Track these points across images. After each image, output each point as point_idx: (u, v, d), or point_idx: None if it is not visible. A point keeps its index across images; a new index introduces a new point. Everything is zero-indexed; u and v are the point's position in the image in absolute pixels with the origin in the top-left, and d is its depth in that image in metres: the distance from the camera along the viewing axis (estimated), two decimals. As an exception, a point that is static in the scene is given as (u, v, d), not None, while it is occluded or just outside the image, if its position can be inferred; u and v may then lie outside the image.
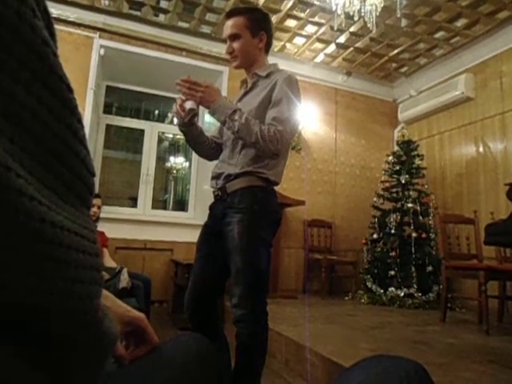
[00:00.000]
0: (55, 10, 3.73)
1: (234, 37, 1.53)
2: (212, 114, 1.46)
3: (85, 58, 3.88)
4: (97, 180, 4.31)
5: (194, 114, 1.51)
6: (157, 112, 4.93)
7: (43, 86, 0.26)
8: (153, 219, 4.24)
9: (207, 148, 1.69)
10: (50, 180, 0.27)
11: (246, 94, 1.61)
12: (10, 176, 0.22)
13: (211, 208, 1.58)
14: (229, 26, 1.53)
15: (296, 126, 1.57)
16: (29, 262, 0.24)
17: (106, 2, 3.84)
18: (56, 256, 0.26)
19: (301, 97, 1.55)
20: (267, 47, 1.61)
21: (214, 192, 1.56)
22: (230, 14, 1.56)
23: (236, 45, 1.53)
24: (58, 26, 3.77)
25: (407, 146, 4.35)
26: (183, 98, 1.46)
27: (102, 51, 3.97)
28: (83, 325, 0.31)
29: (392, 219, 4.07)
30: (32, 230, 0.24)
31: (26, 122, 0.25)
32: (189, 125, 1.58)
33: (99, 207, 3.13)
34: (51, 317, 0.27)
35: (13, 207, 0.22)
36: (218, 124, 1.59)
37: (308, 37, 4.27)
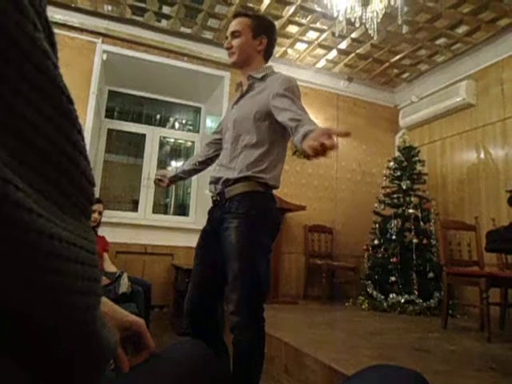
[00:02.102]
0: (58, 16, 3.76)
1: (235, 34, 1.56)
2: None
3: (87, 62, 3.90)
4: (98, 184, 4.32)
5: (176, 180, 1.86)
6: (158, 116, 4.94)
7: (43, 97, 0.26)
8: (153, 223, 4.23)
9: (205, 167, 1.84)
10: (50, 191, 0.27)
11: (242, 96, 1.61)
12: (8, 189, 0.22)
13: (210, 213, 1.58)
14: (233, 24, 1.58)
15: None
16: (27, 274, 0.24)
17: (109, 8, 3.87)
18: (54, 268, 0.26)
19: (301, 97, 1.54)
20: (267, 53, 1.63)
21: (212, 197, 1.56)
22: (238, 14, 1.62)
23: (235, 41, 1.56)
24: (60, 31, 3.81)
25: (408, 151, 4.36)
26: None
27: (105, 56, 3.99)
28: (82, 336, 0.31)
29: (393, 225, 4.06)
30: (30, 243, 0.24)
31: (26, 134, 0.25)
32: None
33: (100, 213, 3.12)
34: (49, 328, 0.27)
35: (11, 220, 0.22)
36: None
37: (309, 43, 4.29)
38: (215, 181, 1.54)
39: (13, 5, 0.24)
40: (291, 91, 1.45)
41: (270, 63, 1.65)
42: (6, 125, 0.24)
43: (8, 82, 0.24)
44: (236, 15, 1.62)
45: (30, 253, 0.24)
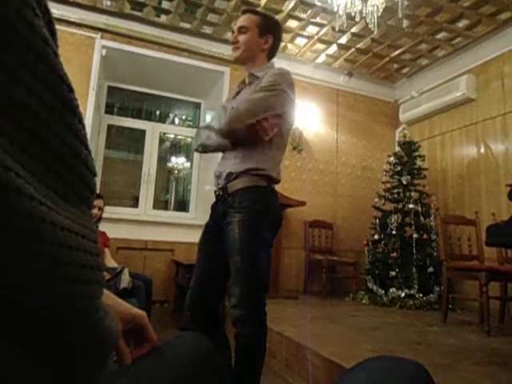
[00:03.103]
0: (57, 11, 3.74)
1: (242, 29, 1.58)
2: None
3: (86, 58, 3.89)
4: (98, 180, 4.31)
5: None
6: (158, 112, 4.94)
7: (44, 85, 0.26)
8: (154, 219, 4.24)
9: None
10: (51, 180, 0.27)
11: (240, 91, 1.64)
12: (9, 176, 0.22)
13: (213, 207, 1.59)
14: (241, 20, 1.61)
15: (260, 108, 1.44)
16: (29, 263, 0.24)
17: (108, 3, 3.85)
18: (56, 256, 0.26)
19: (292, 86, 1.54)
20: (271, 53, 1.65)
21: (215, 192, 1.56)
22: (247, 11, 1.65)
23: (242, 37, 1.58)
24: (59, 27, 3.78)
25: (408, 146, 4.35)
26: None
27: (104, 51, 3.98)
28: (84, 325, 0.31)
29: (393, 220, 4.07)
30: (32, 231, 0.24)
31: (26, 122, 0.25)
32: None
33: (100, 208, 3.11)
34: (52, 317, 0.27)
35: (12, 207, 0.22)
36: None
37: (309, 37, 4.27)
38: (219, 175, 1.55)
39: None
40: (265, 87, 1.46)
41: (276, 61, 1.69)
42: (5, 112, 0.24)
43: (7, 69, 0.23)
44: (245, 11, 1.65)
45: (32, 241, 0.24)
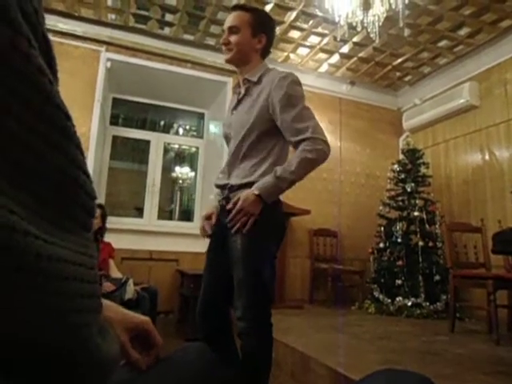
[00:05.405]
0: (63, 25, 3.81)
1: (233, 29, 1.49)
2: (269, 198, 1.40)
3: (92, 71, 3.94)
4: (103, 191, 4.34)
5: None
6: (162, 123, 4.98)
7: (37, 116, 0.25)
8: (159, 229, 4.24)
9: None
10: (46, 211, 0.26)
11: (239, 102, 1.57)
12: (3, 214, 0.22)
13: (218, 217, 1.58)
14: (231, 19, 1.50)
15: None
16: (24, 297, 0.24)
17: (113, 16, 3.91)
18: (52, 289, 0.25)
19: (303, 93, 1.49)
20: (264, 51, 1.57)
21: (219, 202, 1.56)
22: (237, 7, 1.53)
23: (233, 38, 1.48)
24: (65, 41, 3.85)
25: (412, 154, 4.35)
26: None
27: (109, 64, 4.03)
28: (80, 353, 0.30)
29: (398, 228, 4.05)
30: (28, 266, 0.23)
31: (17, 156, 0.24)
32: None
33: (101, 219, 3.07)
34: (47, 348, 0.27)
35: (6, 244, 0.22)
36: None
37: (312, 47, 4.30)
38: (219, 186, 1.55)
39: (5, 22, 0.23)
40: (287, 99, 1.42)
41: (265, 61, 1.59)
42: None
43: None
44: (235, 8, 1.52)
45: (28, 276, 0.23)
